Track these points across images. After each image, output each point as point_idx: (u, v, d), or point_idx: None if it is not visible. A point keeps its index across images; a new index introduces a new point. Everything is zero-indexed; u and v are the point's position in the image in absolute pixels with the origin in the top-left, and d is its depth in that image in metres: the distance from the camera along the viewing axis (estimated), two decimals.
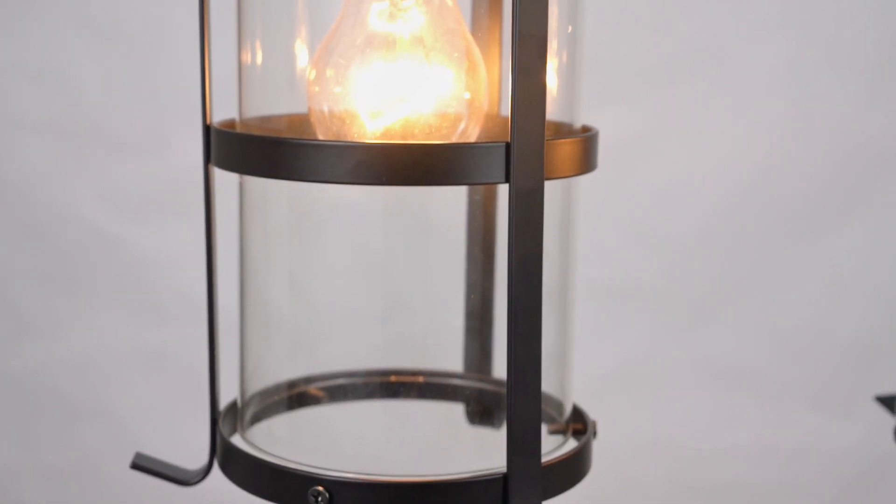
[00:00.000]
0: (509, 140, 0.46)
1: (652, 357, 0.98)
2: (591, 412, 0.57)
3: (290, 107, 0.56)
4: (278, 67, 0.55)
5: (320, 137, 0.53)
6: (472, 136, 0.54)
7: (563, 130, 0.54)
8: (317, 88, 0.53)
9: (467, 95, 0.53)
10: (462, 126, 0.53)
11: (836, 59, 0.94)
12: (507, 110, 0.47)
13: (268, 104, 0.56)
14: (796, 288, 0.98)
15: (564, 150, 0.48)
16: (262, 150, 0.47)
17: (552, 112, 0.53)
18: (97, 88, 0.94)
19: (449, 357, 0.61)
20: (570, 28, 0.52)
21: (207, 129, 0.51)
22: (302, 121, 0.56)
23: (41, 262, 0.97)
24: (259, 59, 0.55)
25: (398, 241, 0.57)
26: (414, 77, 0.51)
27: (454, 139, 0.53)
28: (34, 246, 0.97)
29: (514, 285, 0.46)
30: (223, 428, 0.54)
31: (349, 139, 0.52)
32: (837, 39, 0.94)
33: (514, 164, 0.46)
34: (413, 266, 0.58)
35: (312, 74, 0.53)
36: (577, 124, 0.55)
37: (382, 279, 0.58)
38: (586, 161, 0.50)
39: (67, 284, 0.97)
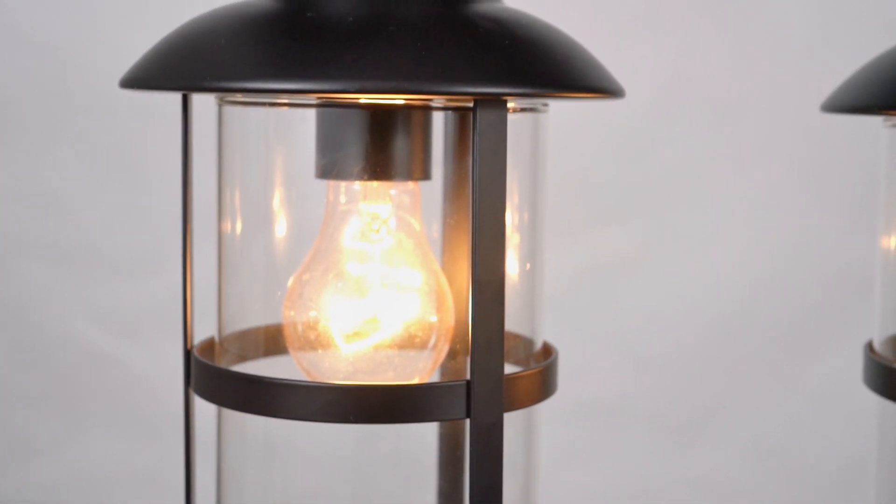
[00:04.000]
0: (469, 378, 0.49)
1: (639, 476, 1.00)
2: None
3: (267, 314, 0.59)
4: (256, 288, 0.58)
5: (292, 352, 0.56)
6: (443, 350, 0.57)
7: (521, 346, 0.57)
8: (292, 312, 0.56)
9: (434, 318, 0.56)
10: (433, 341, 0.56)
11: (818, 186, 0.98)
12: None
13: (246, 316, 0.59)
14: (783, 408, 1.00)
15: (523, 384, 0.51)
16: (237, 386, 0.50)
17: (512, 324, 0.56)
18: (93, 211, 0.98)
19: None
20: (528, 266, 0.56)
21: (188, 355, 0.54)
22: (277, 332, 0.59)
23: (36, 382, 0.99)
24: (237, 279, 0.58)
25: (370, 466, 0.59)
26: (383, 306, 0.55)
27: (427, 350, 0.56)
28: (30, 367, 0.99)
29: None
30: None
31: (324, 352, 0.55)
32: (818, 167, 0.97)
33: (474, 402, 0.48)
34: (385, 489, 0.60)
35: (290, 282, 0.56)
36: (538, 340, 0.58)
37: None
38: (545, 389, 0.53)
39: (62, 405, 0.99)
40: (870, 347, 0.58)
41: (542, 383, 0.52)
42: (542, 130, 0.56)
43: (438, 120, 0.55)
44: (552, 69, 0.47)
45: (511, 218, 0.56)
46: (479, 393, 0.48)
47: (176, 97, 0.59)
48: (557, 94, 0.47)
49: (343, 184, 0.55)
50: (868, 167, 0.98)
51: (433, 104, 0.52)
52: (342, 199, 0.56)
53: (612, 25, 0.97)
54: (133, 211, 0.98)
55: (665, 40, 0.97)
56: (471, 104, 0.47)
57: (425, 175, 0.54)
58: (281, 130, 0.55)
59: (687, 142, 0.98)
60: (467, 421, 0.49)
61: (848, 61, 0.95)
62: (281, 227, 0.58)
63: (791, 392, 1.00)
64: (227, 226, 0.58)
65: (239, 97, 0.53)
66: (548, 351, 0.57)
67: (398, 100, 0.51)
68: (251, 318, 0.59)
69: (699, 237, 0.99)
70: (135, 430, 1.00)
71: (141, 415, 0.99)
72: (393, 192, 0.55)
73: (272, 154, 0.56)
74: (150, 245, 0.98)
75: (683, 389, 1.00)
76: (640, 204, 0.99)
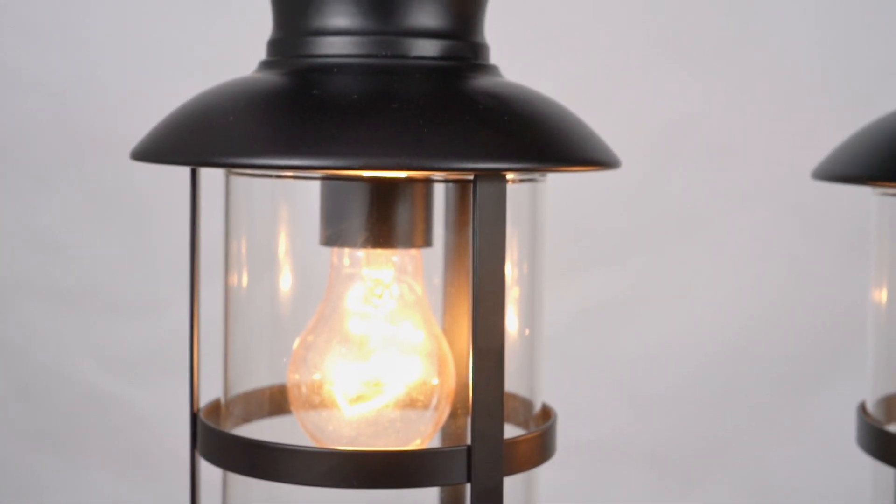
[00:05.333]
0: (470, 444, 0.50)
1: None
2: None
3: (273, 374, 0.61)
4: (261, 349, 0.60)
5: (296, 414, 0.57)
6: (445, 412, 0.58)
7: (521, 408, 0.58)
8: (297, 375, 0.57)
9: (435, 381, 0.57)
10: (434, 403, 0.58)
11: (815, 229, 0.99)
12: None
13: (252, 377, 0.60)
14: (782, 448, 1.01)
15: (522, 448, 0.52)
16: (241, 451, 0.51)
17: (511, 383, 0.57)
18: (96, 252, 0.99)
19: None
20: (527, 331, 0.57)
21: (194, 418, 0.56)
22: (281, 393, 0.60)
23: (40, 422, 1.00)
24: (243, 340, 0.59)
25: None
26: (386, 370, 0.56)
27: (429, 412, 0.57)
28: (33, 407, 1.00)
29: None
30: None
31: (329, 415, 0.56)
32: (815, 210, 0.99)
33: (475, 467, 0.50)
34: None
35: (294, 344, 0.58)
36: (538, 401, 0.59)
37: None
38: (544, 452, 0.54)
39: (64, 445, 1.01)
40: (862, 409, 0.60)
41: (541, 447, 0.53)
42: (540, 198, 0.58)
43: (440, 189, 0.56)
44: (549, 143, 0.48)
45: (510, 272, 0.57)
46: (479, 458, 0.50)
47: None
48: (554, 168, 0.48)
49: (347, 249, 0.57)
50: (865, 212, 0.99)
51: (435, 177, 0.54)
52: (346, 262, 0.57)
53: (611, 71, 0.99)
54: (135, 251, 1.00)
55: (664, 85, 0.99)
56: (471, 177, 0.49)
57: (427, 242, 0.55)
58: (287, 199, 0.57)
59: (684, 184, 1.00)
60: (468, 485, 0.50)
61: (845, 106, 0.97)
62: (286, 290, 0.59)
63: (789, 432, 1.01)
64: (234, 285, 0.59)
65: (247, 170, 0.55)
66: (547, 413, 0.58)
67: (401, 173, 0.52)
68: (257, 378, 0.60)
69: (696, 279, 1.00)
70: (138, 470, 1.01)
71: (144, 454, 1.01)
72: (395, 258, 0.56)
73: (278, 220, 0.58)
74: (153, 286, 1.00)
75: (681, 430, 1.01)
76: (637, 245, 1.01)
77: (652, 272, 1.01)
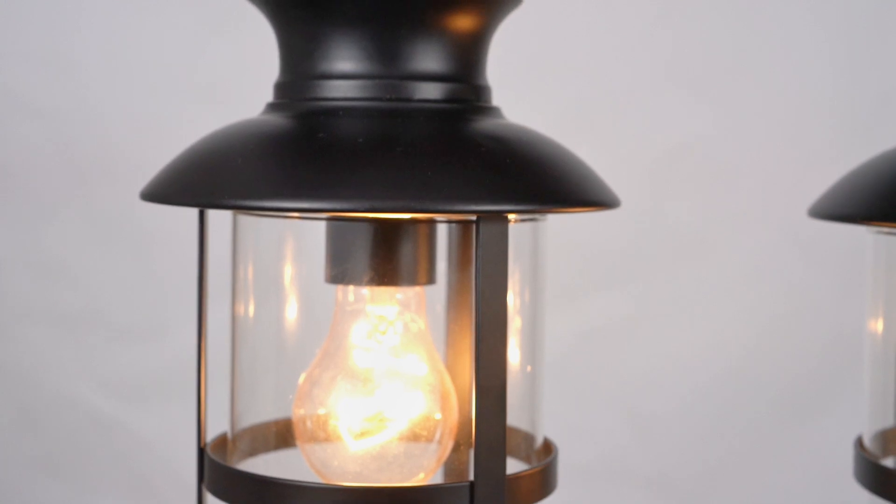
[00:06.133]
0: (473, 480, 0.51)
1: None
2: None
3: (279, 409, 0.61)
4: (267, 385, 0.61)
5: (301, 448, 0.58)
6: (448, 446, 0.59)
7: (522, 443, 0.59)
8: (302, 410, 0.58)
9: (438, 416, 0.58)
10: (437, 437, 0.59)
11: (814, 252, 1.00)
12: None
13: (259, 411, 0.61)
14: (782, 470, 1.02)
15: (525, 483, 0.53)
16: (249, 486, 0.52)
17: (512, 417, 0.58)
18: (98, 276, 1.00)
19: None
20: (528, 367, 0.58)
21: (201, 453, 0.56)
22: (287, 428, 0.61)
23: (43, 448, 1.01)
24: (250, 375, 0.60)
25: None
26: (391, 405, 0.57)
27: (432, 446, 0.58)
28: (36, 432, 1.01)
29: None
30: None
31: (334, 450, 0.57)
32: (814, 233, 1.00)
33: (478, 502, 0.50)
34: None
35: (300, 379, 0.58)
36: (539, 435, 0.60)
37: None
38: (546, 487, 0.55)
39: (68, 471, 1.01)
40: (859, 443, 0.60)
41: (543, 481, 0.54)
42: (541, 235, 0.59)
43: (443, 227, 0.57)
44: (550, 185, 0.50)
45: (512, 305, 0.58)
46: (482, 494, 0.50)
47: None
48: (555, 210, 0.49)
49: (352, 286, 0.58)
50: (863, 240, 1.00)
51: (438, 217, 0.55)
52: (350, 298, 0.59)
53: (613, 96, 1.00)
54: (138, 276, 1.01)
55: (665, 111, 1.00)
56: (474, 217, 0.50)
57: (430, 280, 0.56)
58: (293, 236, 0.58)
59: (684, 209, 1.01)
60: None
61: (846, 134, 0.98)
62: (292, 325, 0.60)
63: (787, 455, 1.02)
64: (240, 318, 0.60)
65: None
66: (548, 447, 0.59)
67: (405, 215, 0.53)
68: (263, 412, 0.61)
69: (695, 303, 1.01)
70: (142, 496, 1.01)
71: (148, 480, 1.01)
72: (399, 295, 0.57)
73: (284, 257, 0.59)
74: (156, 310, 1.01)
75: (680, 452, 1.02)
76: (637, 269, 1.01)
77: (652, 296, 1.02)
